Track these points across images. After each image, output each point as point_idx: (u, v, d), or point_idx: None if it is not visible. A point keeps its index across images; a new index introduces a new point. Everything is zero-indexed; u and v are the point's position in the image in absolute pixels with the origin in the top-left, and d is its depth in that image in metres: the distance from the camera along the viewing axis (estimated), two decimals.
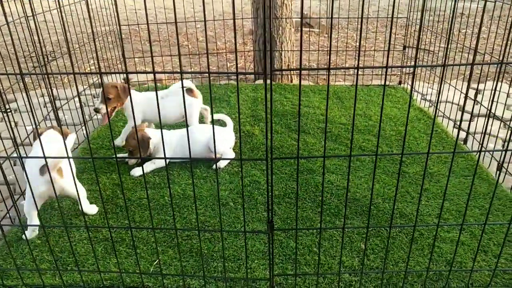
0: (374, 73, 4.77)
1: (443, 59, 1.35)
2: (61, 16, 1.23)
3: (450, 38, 1.38)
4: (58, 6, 1.18)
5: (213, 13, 5.57)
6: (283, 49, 4.42)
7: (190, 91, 3.11)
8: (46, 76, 2.72)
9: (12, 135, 2.78)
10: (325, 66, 5.16)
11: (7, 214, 2.36)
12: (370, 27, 7.39)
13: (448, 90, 3.78)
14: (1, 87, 1.52)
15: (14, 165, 2.92)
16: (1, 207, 2.43)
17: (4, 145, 2.46)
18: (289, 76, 4.61)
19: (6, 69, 4.30)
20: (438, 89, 1.59)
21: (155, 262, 2.00)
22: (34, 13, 2.35)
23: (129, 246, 2.12)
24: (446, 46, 1.35)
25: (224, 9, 5.27)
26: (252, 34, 4.62)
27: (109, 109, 2.88)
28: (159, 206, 2.43)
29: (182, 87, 1.48)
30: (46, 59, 2.06)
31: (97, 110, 2.84)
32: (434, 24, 4.91)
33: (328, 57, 5.00)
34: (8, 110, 2.32)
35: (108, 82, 2.99)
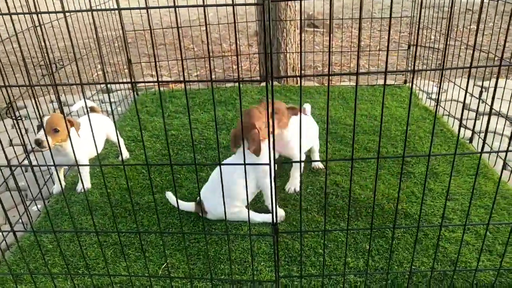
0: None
1: (442, 61, 1.38)
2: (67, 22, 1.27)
3: (449, 36, 1.40)
4: (63, 13, 1.23)
5: (217, 15, 5.61)
6: (287, 51, 4.45)
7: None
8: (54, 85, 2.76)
9: (22, 142, 2.83)
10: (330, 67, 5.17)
11: (20, 220, 2.42)
12: (376, 25, 7.38)
13: (453, 88, 3.77)
14: (12, 96, 1.57)
15: (26, 171, 2.99)
16: (14, 212, 2.49)
17: (15, 152, 2.52)
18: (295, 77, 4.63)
19: (15, 77, 4.38)
20: (438, 90, 1.60)
21: (164, 265, 2.05)
22: (42, 23, 2.41)
23: (138, 249, 2.16)
24: (444, 47, 1.37)
25: (229, 10, 5.31)
26: (257, 36, 4.65)
27: (53, 144, 2.41)
28: (167, 209, 2.47)
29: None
30: (54, 68, 2.09)
31: (38, 143, 2.32)
32: (438, 21, 4.90)
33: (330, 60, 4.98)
34: (19, 118, 2.38)
35: (54, 113, 2.54)
